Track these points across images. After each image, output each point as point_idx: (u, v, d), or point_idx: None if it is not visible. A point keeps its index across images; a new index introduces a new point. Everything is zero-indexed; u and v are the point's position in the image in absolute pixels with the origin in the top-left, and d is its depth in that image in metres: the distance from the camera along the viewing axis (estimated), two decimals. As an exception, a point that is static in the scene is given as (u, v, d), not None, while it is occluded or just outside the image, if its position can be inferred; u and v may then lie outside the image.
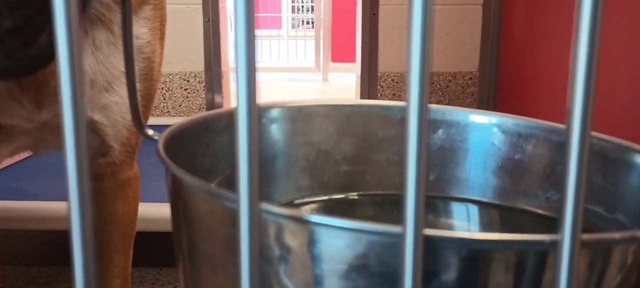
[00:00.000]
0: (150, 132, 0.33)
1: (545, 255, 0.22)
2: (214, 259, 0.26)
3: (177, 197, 0.29)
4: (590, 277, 0.24)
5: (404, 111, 0.23)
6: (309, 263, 0.23)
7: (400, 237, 0.20)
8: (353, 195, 0.43)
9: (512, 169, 0.42)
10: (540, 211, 0.41)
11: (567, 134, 0.21)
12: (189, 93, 1.59)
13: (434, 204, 0.43)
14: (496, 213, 0.41)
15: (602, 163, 0.39)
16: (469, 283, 0.22)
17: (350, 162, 0.43)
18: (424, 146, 0.20)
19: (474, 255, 0.22)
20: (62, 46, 0.18)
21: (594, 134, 0.39)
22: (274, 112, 0.41)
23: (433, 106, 0.42)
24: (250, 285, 0.20)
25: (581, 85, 0.20)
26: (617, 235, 0.23)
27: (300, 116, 0.42)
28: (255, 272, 0.20)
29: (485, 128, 0.42)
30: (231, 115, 0.38)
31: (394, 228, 0.22)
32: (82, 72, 0.18)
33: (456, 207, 0.42)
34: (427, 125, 0.20)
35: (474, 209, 0.42)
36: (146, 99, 0.45)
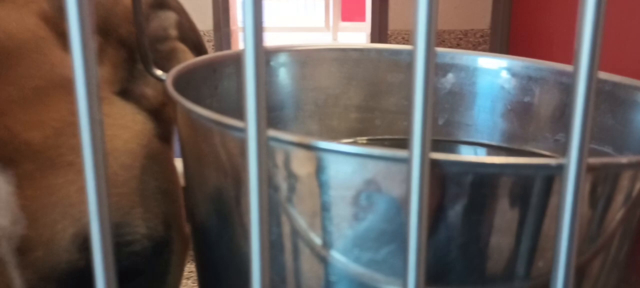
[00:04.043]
0: (158, 72, 0.33)
1: (552, 179, 0.23)
2: (224, 191, 0.27)
3: (185, 134, 0.30)
4: (596, 206, 0.25)
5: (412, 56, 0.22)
6: (316, 190, 0.23)
7: (407, 161, 0.20)
8: (362, 140, 0.43)
9: (521, 112, 0.42)
10: (548, 153, 0.41)
11: (575, 56, 0.20)
12: (198, 52, 1.59)
13: (442, 147, 0.43)
14: (505, 156, 0.41)
15: (612, 104, 0.38)
16: (475, 207, 0.23)
17: (359, 107, 0.43)
18: (431, 67, 0.20)
19: (481, 180, 0.22)
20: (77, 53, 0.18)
21: (604, 74, 0.39)
22: (282, 57, 0.41)
23: (441, 49, 0.42)
24: (259, 214, 0.21)
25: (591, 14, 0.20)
26: (624, 160, 0.23)
27: (308, 60, 0.41)
28: (264, 201, 0.21)
29: (494, 71, 0.42)
30: (238, 59, 0.38)
31: (401, 153, 0.22)
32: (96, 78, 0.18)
33: (464, 149, 0.42)
34: (434, 48, 0.20)
35: (482, 152, 0.42)
36: None
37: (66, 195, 0.30)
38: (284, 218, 0.25)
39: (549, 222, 0.23)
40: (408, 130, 0.20)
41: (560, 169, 0.21)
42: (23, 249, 0.29)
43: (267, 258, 0.20)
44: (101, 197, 0.20)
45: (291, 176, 0.24)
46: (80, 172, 0.31)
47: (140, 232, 0.32)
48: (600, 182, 0.24)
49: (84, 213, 0.31)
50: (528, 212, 0.23)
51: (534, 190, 0.23)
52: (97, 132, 0.20)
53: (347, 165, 0.23)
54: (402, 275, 0.20)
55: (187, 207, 0.32)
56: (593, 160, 0.22)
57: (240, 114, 0.31)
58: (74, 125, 0.32)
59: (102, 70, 0.35)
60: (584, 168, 0.21)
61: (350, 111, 0.43)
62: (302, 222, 0.24)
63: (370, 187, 0.23)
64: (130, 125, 0.34)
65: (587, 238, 0.25)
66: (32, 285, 0.29)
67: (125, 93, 0.36)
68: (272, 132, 0.22)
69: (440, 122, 0.43)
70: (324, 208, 0.24)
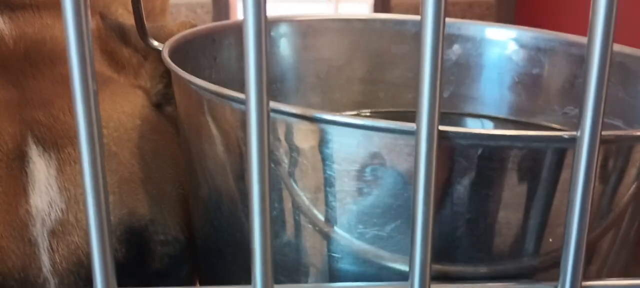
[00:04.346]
0: (155, 42, 0.32)
1: (564, 152, 0.22)
2: (224, 165, 0.26)
3: (184, 108, 0.29)
4: (608, 181, 0.24)
5: (418, 26, 0.22)
6: (319, 164, 0.23)
7: (415, 133, 0.20)
8: (365, 113, 0.42)
9: (529, 84, 0.41)
10: (557, 126, 0.40)
11: (590, 21, 0.19)
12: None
13: (448, 119, 0.42)
14: (512, 129, 0.41)
15: (623, 76, 0.37)
16: (484, 181, 0.22)
17: (363, 79, 0.42)
18: (440, 34, 0.19)
19: (490, 152, 0.21)
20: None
21: (615, 45, 0.37)
22: (283, 27, 0.40)
23: (448, 19, 0.41)
24: (261, 188, 0.20)
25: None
26: (638, 132, 0.22)
27: (310, 31, 0.40)
28: (266, 175, 0.20)
29: (502, 42, 0.41)
30: (237, 29, 0.37)
31: (408, 125, 0.21)
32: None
33: (471, 122, 0.41)
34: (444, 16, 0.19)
35: (489, 125, 0.41)
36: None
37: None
38: (285, 193, 0.24)
39: (560, 197, 0.22)
40: (414, 102, 0.19)
41: (573, 142, 0.20)
42: (58, 232, 0.29)
43: (269, 235, 0.20)
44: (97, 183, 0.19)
45: (293, 149, 0.23)
46: (122, 163, 0.32)
47: (172, 233, 0.33)
48: (612, 156, 0.23)
49: (125, 203, 0.31)
50: (538, 186, 0.22)
51: (545, 164, 0.22)
52: (92, 119, 0.19)
53: (351, 138, 0.22)
54: (408, 252, 0.20)
55: (187, 181, 0.32)
56: (606, 133, 0.21)
57: (240, 85, 0.30)
58: (114, 120, 0.33)
59: (139, 80, 0.37)
60: (597, 141, 0.20)
61: (353, 83, 0.42)
62: (304, 197, 0.24)
63: (375, 161, 0.22)
64: (169, 136, 0.36)
65: (598, 213, 0.24)
66: (61, 271, 0.29)
67: (158, 108, 0.37)
68: (273, 104, 0.22)
69: (446, 94, 0.42)
70: (327, 182, 0.23)
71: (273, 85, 0.39)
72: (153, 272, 0.32)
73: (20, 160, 0.30)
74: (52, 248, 0.29)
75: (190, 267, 0.35)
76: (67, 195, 0.30)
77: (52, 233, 0.29)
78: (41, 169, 0.30)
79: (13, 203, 0.29)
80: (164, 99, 0.37)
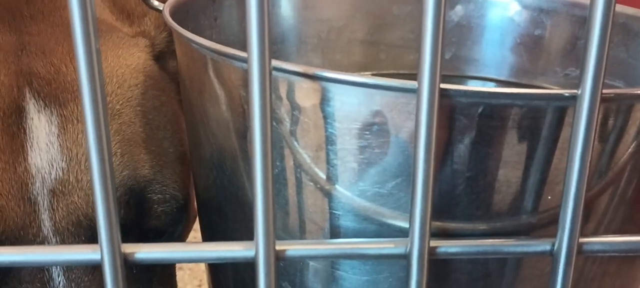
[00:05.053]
0: (155, 2, 0.32)
1: (564, 111, 0.22)
2: (227, 124, 0.26)
3: (186, 67, 0.29)
4: (607, 140, 0.24)
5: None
6: (321, 123, 0.23)
7: (416, 91, 0.20)
8: (367, 75, 0.42)
9: (531, 46, 0.40)
10: (558, 88, 0.40)
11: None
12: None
13: (450, 82, 0.42)
14: (513, 90, 0.41)
15: (625, 37, 0.37)
16: (484, 139, 0.22)
17: (364, 40, 0.42)
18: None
19: (491, 111, 0.21)
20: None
21: (618, 6, 0.37)
22: (284, -13, 0.39)
23: (450, -20, 0.40)
24: (263, 147, 0.20)
25: None
26: (638, 91, 0.22)
27: (311, -9, 0.40)
28: (268, 133, 0.20)
29: (504, 3, 0.41)
30: (239, -10, 0.36)
31: (409, 83, 0.21)
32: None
33: (472, 84, 0.41)
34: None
35: (490, 86, 0.41)
36: None
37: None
38: (287, 152, 0.24)
39: (559, 155, 0.23)
40: (415, 64, 0.19)
41: (574, 100, 0.20)
42: (58, 192, 0.29)
43: (271, 192, 0.20)
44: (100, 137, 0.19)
45: (295, 108, 0.23)
46: (124, 122, 0.31)
47: (170, 191, 0.32)
48: (611, 115, 0.23)
49: (126, 165, 0.31)
50: (538, 145, 0.22)
51: (545, 122, 0.22)
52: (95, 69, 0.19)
53: (353, 96, 0.22)
54: (408, 209, 0.20)
55: (189, 140, 0.32)
56: (606, 91, 0.21)
57: (240, 46, 0.30)
58: (118, 75, 0.32)
59: (143, 26, 0.35)
60: (598, 99, 0.20)
61: (354, 45, 0.42)
62: (306, 156, 0.24)
63: (376, 119, 0.22)
64: (170, 91, 0.35)
65: (597, 172, 0.25)
66: (62, 229, 0.29)
67: (162, 60, 0.36)
68: (275, 62, 0.22)
69: (447, 56, 0.42)
70: (329, 141, 0.23)
71: (274, 46, 0.39)
72: (150, 229, 0.32)
73: (18, 116, 0.29)
74: (52, 207, 0.29)
75: (185, 225, 0.35)
76: (68, 155, 0.29)
77: (52, 193, 0.29)
78: (41, 126, 0.29)
79: (11, 161, 0.28)
80: (167, 49, 0.36)
